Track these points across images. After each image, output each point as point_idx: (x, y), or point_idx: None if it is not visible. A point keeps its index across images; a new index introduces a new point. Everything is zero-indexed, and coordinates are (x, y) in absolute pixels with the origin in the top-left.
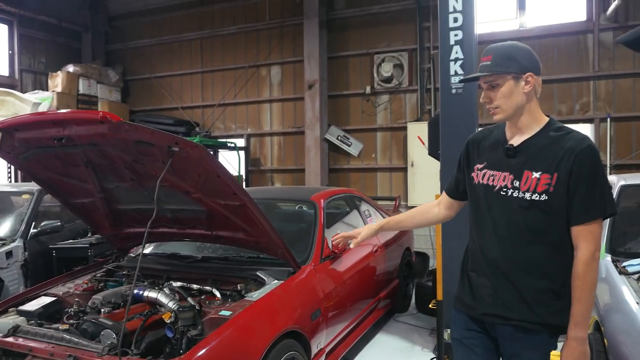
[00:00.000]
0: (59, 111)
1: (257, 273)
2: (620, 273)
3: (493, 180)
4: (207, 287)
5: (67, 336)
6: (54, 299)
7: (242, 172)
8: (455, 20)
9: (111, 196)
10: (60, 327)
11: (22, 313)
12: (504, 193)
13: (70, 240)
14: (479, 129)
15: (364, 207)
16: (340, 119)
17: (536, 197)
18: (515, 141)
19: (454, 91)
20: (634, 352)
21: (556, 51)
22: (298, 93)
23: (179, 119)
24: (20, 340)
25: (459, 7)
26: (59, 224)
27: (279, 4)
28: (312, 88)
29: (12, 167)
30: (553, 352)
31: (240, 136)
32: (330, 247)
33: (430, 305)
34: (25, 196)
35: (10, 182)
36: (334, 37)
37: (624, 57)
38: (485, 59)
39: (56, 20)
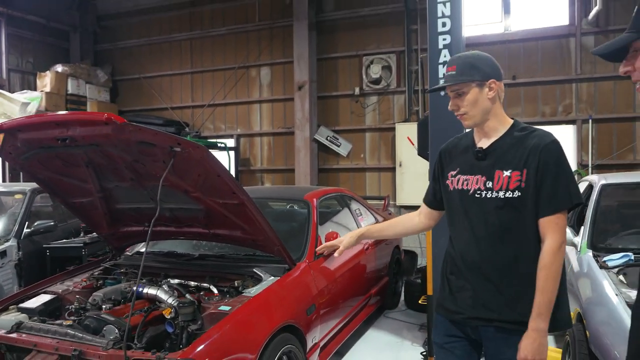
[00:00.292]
0: (62, 112)
1: (254, 270)
2: (601, 267)
3: (467, 184)
4: (205, 284)
5: (71, 331)
6: (53, 296)
7: (232, 172)
8: (444, 24)
9: (110, 196)
10: (64, 323)
11: (22, 310)
12: (479, 195)
13: (64, 240)
14: (451, 138)
15: (355, 206)
16: (330, 120)
17: (509, 194)
18: (484, 144)
19: (442, 93)
20: (615, 342)
21: (540, 54)
22: (288, 94)
23: (169, 119)
24: (24, 336)
25: (447, 12)
26: (52, 223)
27: (269, 6)
28: (301, 89)
29: (1, 167)
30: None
31: (230, 136)
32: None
33: (420, 301)
34: (17, 196)
35: None
36: (324, 38)
37: (605, 62)
38: (450, 69)
39: (44, 20)
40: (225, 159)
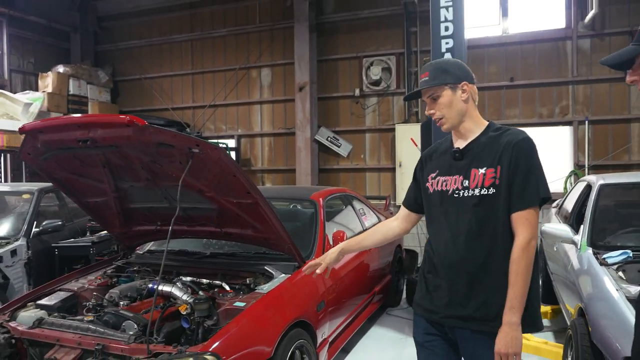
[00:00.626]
0: (84, 115)
1: (265, 267)
2: (601, 264)
3: (446, 185)
4: (217, 281)
5: (92, 326)
6: (70, 293)
7: None
8: (447, 29)
9: (124, 195)
10: (85, 319)
11: (41, 307)
12: (457, 195)
13: (72, 239)
14: (432, 145)
15: (358, 205)
16: (330, 121)
17: (484, 191)
18: (461, 145)
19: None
20: (616, 334)
21: (537, 56)
22: (288, 95)
23: (170, 119)
24: (47, 332)
25: (450, 16)
26: (60, 223)
27: (269, 8)
28: (302, 90)
29: (3, 167)
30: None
31: (231, 137)
32: (332, 243)
33: None
34: (25, 196)
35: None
36: (324, 40)
37: (600, 64)
38: (423, 76)
39: (45, 21)
40: None
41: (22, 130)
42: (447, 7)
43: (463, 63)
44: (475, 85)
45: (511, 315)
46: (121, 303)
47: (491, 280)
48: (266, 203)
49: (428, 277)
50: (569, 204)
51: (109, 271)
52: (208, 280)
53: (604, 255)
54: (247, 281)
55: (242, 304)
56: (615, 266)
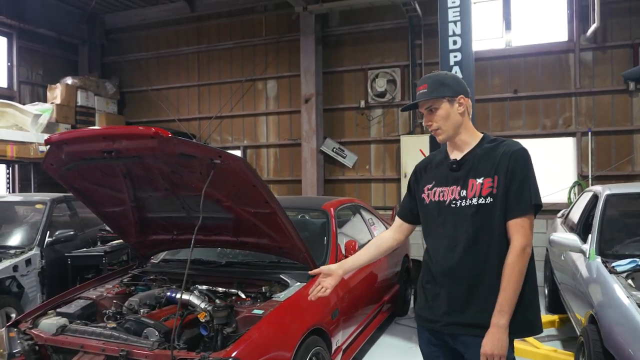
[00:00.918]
0: (109, 127)
1: (281, 276)
2: (611, 272)
3: (443, 195)
4: (233, 290)
5: (116, 333)
6: (90, 301)
7: None
8: (455, 42)
9: (142, 205)
10: (108, 326)
11: (62, 315)
12: (454, 205)
13: (85, 249)
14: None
15: (367, 215)
16: (336, 132)
17: (482, 200)
18: (457, 156)
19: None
20: (628, 340)
21: (540, 68)
22: (294, 106)
23: (176, 130)
24: (70, 338)
25: (458, 31)
26: (72, 233)
27: (275, 21)
28: (308, 102)
29: (11, 178)
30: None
31: (237, 148)
32: (344, 252)
33: None
34: (38, 206)
35: (9, 192)
36: (329, 53)
37: (603, 76)
38: (422, 88)
39: (55, 33)
40: None
41: (48, 141)
42: (455, 22)
43: (459, 77)
44: (480, 96)
45: (500, 317)
46: (141, 311)
47: (488, 286)
48: (283, 213)
49: (427, 287)
50: (575, 214)
51: (126, 280)
52: (224, 289)
53: (613, 264)
54: (263, 289)
55: (260, 312)
56: (624, 274)
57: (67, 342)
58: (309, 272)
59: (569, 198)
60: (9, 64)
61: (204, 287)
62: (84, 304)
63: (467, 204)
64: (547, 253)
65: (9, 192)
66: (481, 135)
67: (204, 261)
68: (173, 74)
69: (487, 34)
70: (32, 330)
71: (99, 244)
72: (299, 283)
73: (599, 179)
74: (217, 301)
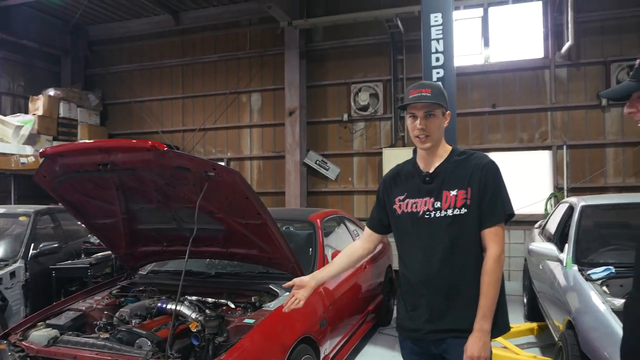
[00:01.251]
0: (106, 140)
1: (270, 286)
2: (587, 280)
3: (416, 206)
4: (222, 300)
5: (109, 344)
6: (79, 313)
7: None
8: (437, 59)
9: (133, 217)
10: (100, 336)
11: (52, 326)
12: (428, 216)
13: (69, 261)
14: (392, 168)
15: (352, 227)
16: (319, 145)
17: (457, 211)
18: (429, 168)
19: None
20: (604, 344)
21: (518, 84)
22: (278, 119)
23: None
24: (63, 349)
25: (440, 48)
26: (57, 245)
27: (260, 35)
28: (292, 115)
29: None
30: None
31: (221, 160)
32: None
33: None
34: (22, 218)
35: None
36: (313, 67)
37: (577, 91)
38: (425, 91)
39: (37, 44)
40: None
41: (43, 154)
42: (437, 40)
43: None
44: (460, 110)
45: (483, 322)
46: (132, 321)
47: (466, 293)
48: (274, 224)
49: (406, 298)
50: (552, 225)
51: (115, 291)
52: (214, 299)
53: (589, 272)
54: (253, 299)
55: (251, 321)
56: (600, 281)
57: (60, 353)
58: (283, 285)
59: (546, 209)
60: None
61: (194, 297)
62: (73, 315)
63: (442, 215)
64: (525, 263)
65: None
66: (450, 148)
67: (194, 272)
68: (157, 86)
69: (467, 50)
70: (23, 342)
71: (82, 256)
72: (287, 293)
73: (574, 191)
74: (208, 311)
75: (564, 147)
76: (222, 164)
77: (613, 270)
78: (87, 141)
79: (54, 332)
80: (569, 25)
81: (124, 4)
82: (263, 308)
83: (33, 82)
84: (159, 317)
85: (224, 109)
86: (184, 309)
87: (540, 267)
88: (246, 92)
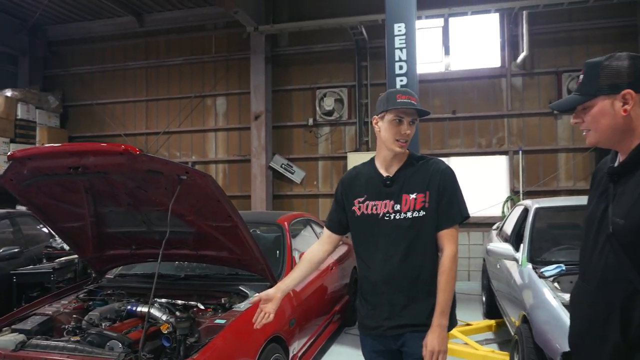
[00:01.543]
0: (78, 143)
1: (240, 287)
2: (540, 277)
3: (376, 209)
4: (192, 302)
5: (80, 346)
6: (46, 317)
7: None
8: (401, 67)
9: (102, 220)
10: (71, 339)
11: (18, 331)
12: (388, 218)
13: (31, 266)
14: (349, 170)
15: (318, 229)
16: (284, 149)
17: (416, 214)
18: (389, 172)
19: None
20: (556, 335)
21: (476, 92)
22: (243, 123)
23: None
24: (32, 354)
25: (404, 57)
26: (18, 250)
27: (225, 39)
28: (258, 119)
29: None
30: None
31: (185, 163)
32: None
33: None
34: None
35: None
36: (279, 71)
37: (531, 99)
38: (412, 99)
39: None
40: None
41: (11, 157)
42: (401, 49)
43: None
44: (422, 116)
45: (442, 318)
46: (102, 324)
47: (424, 290)
48: (245, 226)
49: (367, 297)
50: (509, 226)
51: (82, 295)
52: (183, 301)
53: (542, 270)
54: (223, 301)
55: (222, 321)
56: (552, 278)
57: (29, 358)
58: (255, 325)
59: (503, 211)
60: None
61: (164, 300)
62: (40, 320)
63: (402, 217)
64: (484, 263)
65: None
66: (408, 152)
67: (163, 275)
68: (119, 89)
69: (428, 58)
70: None
71: (44, 261)
72: (257, 294)
73: (529, 194)
74: (178, 313)
75: (520, 152)
76: None
77: (564, 268)
78: (56, 145)
79: (21, 337)
80: (524, 37)
81: (85, 4)
82: (233, 309)
83: None
84: (129, 320)
85: (189, 112)
86: (154, 311)
87: (498, 267)
88: (211, 96)
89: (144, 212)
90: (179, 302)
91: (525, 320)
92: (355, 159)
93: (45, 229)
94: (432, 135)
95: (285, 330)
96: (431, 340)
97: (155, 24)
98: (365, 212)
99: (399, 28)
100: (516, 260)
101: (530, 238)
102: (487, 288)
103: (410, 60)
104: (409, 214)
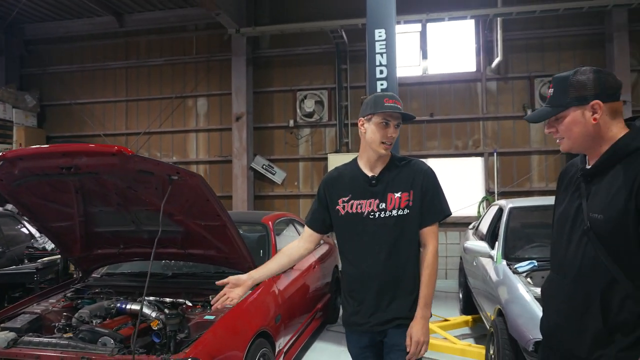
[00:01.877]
0: (70, 144)
1: None
2: (514, 273)
3: (360, 207)
4: (180, 300)
5: (73, 343)
6: (35, 316)
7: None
8: (381, 72)
9: (91, 219)
10: (64, 335)
11: (8, 329)
12: (372, 216)
13: (14, 267)
14: (331, 170)
15: (301, 229)
16: (265, 149)
17: (401, 212)
18: (374, 172)
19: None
20: (529, 327)
21: (453, 95)
22: (224, 124)
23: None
24: (25, 350)
25: (384, 61)
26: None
27: (206, 40)
28: (239, 120)
29: None
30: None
31: None
32: None
33: None
34: None
35: None
36: (260, 73)
37: (506, 103)
38: (399, 104)
39: None
40: None
41: (3, 157)
42: (381, 54)
43: None
44: None
45: (425, 310)
46: (93, 322)
47: (408, 285)
48: (233, 225)
49: (352, 294)
50: (484, 225)
51: (69, 294)
52: (172, 299)
53: (516, 266)
54: (210, 298)
55: (212, 317)
56: (525, 274)
57: (22, 354)
58: (216, 282)
59: (479, 211)
60: None
61: (152, 298)
62: (29, 318)
63: (387, 215)
64: (461, 261)
65: None
66: (390, 154)
67: (151, 273)
68: (99, 89)
69: (407, 62)
70: None
71: (26, 261)
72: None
73: (504, 195)
74: (167, 311)
75: (495, 154)
76: None
77: (536, 264)
78: (45, 145)
79: (11, 335)
80: (498, 43)
81: (64, 3)
82: None
83: None
84: (118, 317)
85: (170, 113)
86: (144, 308)
87: (474, 264)
88: (192, 97)
89: (133, 212)
90: (167, 299)
91: (500, 313)
92: (336, 160)
93: (25, 230)
94: (411, 137)
95: (271, 326)
96: (416, 332)
97: (135, 24)
98: (350, 211)
99: (380, 34)
100: (491, 257)
101: (504, 236)
102: (464, 285)
103: (391, 64)
104: (394, 212)
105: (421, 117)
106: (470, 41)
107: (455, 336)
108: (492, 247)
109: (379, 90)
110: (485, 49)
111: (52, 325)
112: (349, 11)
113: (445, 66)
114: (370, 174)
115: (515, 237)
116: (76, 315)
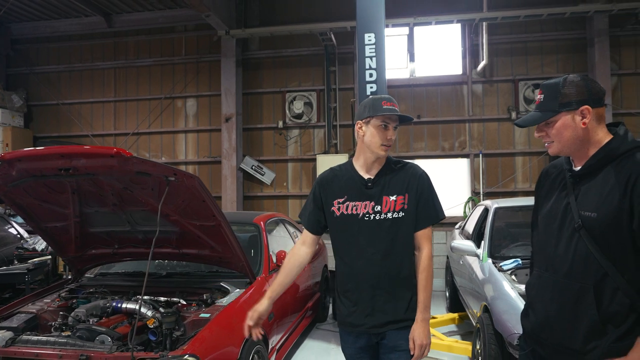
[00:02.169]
0: (68, 146)
1: (221, 284)
2: (499, 271)
3: (356, 209)
4: (175, 299)
5: (71, 341)
6: (32, 315)
7: None
8: (371, 75)
9: (86, 220)
10: (62, 334)
11: (4, 328)
12: (368, 218)
13: (4, 267)
14: (325, 172)
15: (291, 229)
16: (255, 150)
17: (396, 215)
18: (370, 175)
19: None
20: (513, 323)
21: (439, 97)
22: (213, 125)
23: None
24: (24, 349)
25: (374, 65)
26: None
27: (196, 41)
28: (229, 121)
29: None
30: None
31: None
32: (275, 261)
33: None
34: None
35: None
36: (249, 74)
37: (491, 105)
38: (396, 106)
39: None
40: None
41: (1, 158)
42: (371, 57)
43: None
44: None
45: (425, 313)
46: (89, 320)
47: (403, 287)
48: (228, 225)
49: (347, 295)
50: (470, 225)
51: (64, 294)
52: (166, 298)
53: (501, 264)
54: (204, 297)
55: (207, 315)
56: (510, 272)
57: (20, 353)
58: (253, 339)
59: (465, 212)
60: None
61: (147, 297)
62: (25, 317)
63: (382, 217)
64: (447, 260)
65: None
66: (386, 156)
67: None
68: (87, 89)
69: (394, 64)
70: None
71: (15, 262)
72: (238, 289)
73: (489, 195)
74: (162, 309)
75: (480, 155)
76: None
77: (520, 262)
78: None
79: (9, 334)
80: (484, 46)
81: (51, 2)
82: (216, 304)
83: None
84: (114, 316)
85: (159, 114)
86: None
87: (461, 263)
88: (181, 97)
89: (128, 212)
90: (162, 298)
91: (486, 309)
92: (324, 161)
93: (13, 230)
94: (398, 138)
95: (265, 323)
96: (418, 335)
97: (124, 25)
98: (345, 212)
99: (369, 38)
100: (477, 256)
101: (490, 235)
102: (451, 284)
103: (380, 68)
104: (389, 215)
105: None
106: (457, 45)
107: (442, 333)
108: (478, 246)
109: (368, 92)
110: (471, 52)
111: (49, 324)
112: (338, 14)
113: (432, 69)
114: (366, 177)
115: (501, 236)
116: (72, 314)
